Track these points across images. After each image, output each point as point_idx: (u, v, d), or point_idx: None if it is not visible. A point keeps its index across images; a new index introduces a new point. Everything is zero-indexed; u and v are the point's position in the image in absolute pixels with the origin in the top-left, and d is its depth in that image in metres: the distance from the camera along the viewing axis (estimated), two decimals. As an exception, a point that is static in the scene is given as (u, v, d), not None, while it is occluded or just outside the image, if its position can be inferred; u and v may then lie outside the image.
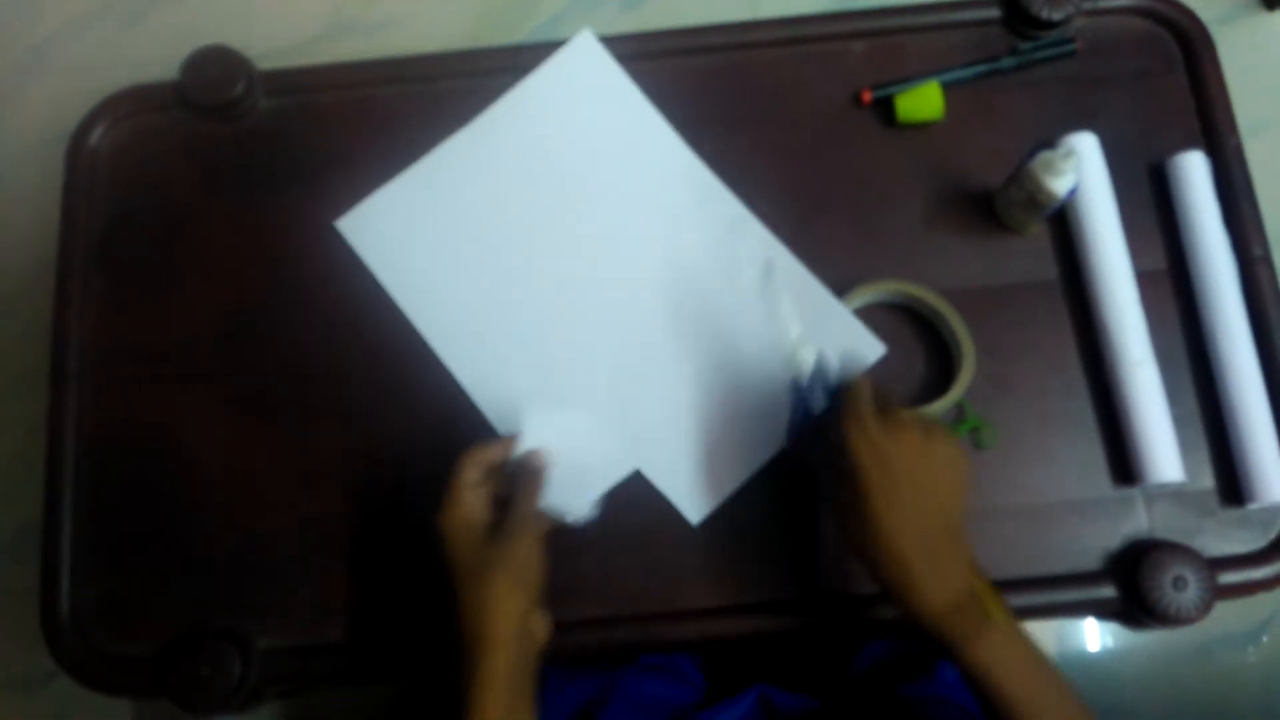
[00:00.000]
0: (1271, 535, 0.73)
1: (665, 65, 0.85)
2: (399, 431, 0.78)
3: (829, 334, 0.76)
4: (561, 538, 0.74)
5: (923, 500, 0.58)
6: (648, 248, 0.81)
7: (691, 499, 0.74)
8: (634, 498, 0.75)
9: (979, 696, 0.57)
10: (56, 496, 0.77)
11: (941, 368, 0.77)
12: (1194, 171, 0.77)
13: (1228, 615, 0.78)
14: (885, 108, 0.82)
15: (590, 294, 0.80)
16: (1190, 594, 0.69)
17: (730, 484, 0.75)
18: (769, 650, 0.81)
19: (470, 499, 0.63)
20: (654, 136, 0.83)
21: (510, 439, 0.67)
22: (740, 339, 0.77)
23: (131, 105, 0.86)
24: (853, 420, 0.59)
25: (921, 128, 0.82)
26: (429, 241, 0.81)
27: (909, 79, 0.82)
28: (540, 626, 0.64)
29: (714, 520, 0.74)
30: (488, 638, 0.59)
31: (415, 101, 0.85)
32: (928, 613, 0.57)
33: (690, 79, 0.85)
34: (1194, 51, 0.83)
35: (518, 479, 0.66)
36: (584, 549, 0.74)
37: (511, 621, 0.59)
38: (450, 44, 0.82)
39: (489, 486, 0.65)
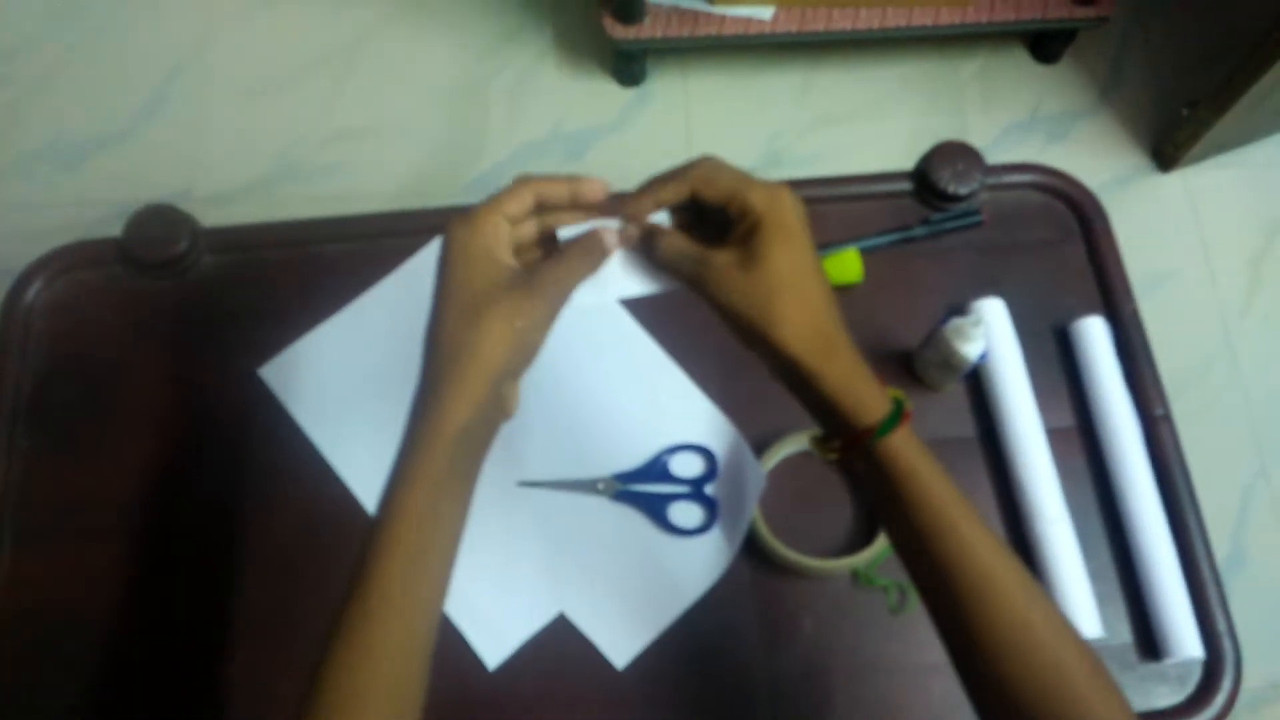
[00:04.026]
0: (1189, 690, 0.75)
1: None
2: (326, 585, 0.76)
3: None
4: (488, 697, 0.73)
5: (812, 250, 0.53)
6: (569, 387, 0.83)
7: (616, 643, 0.74)
8: (560, 646, 0.75)
9: (895, 490, 0.51)
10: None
11: (868, 517, 0.79)
12: (1095, 335, 0.82)
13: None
14: (809, 271, 0.87)
15: (510, 434, 0.80)
16: (1115, 751, 0.70)
17: (655, 628, 0.75)
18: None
19: (503, 231, 0.51)
20: None
21: (583, 182, 0.54)
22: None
23: (70, 260, 0.86)
24: (723, 171, 0.52)
25: (843, 290, 0.86)
26: (349, 388, 0.82)
27: (830, 245, 0.87)
28: (514, 398, 0.53)
29: (641, 671, 0.74)
30: (460, 378, 0.49)
31: (358, 258, 0.87)
32: (849, 382, 0.52)
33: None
34: (1089, 223, 0.89)
35: (573, 246, 0.53)
36: (514, 703, 0.73)
37: (494, 371, 0.49)
38: (395, 188, 0.84)
39: (523, 229, 0.53)
